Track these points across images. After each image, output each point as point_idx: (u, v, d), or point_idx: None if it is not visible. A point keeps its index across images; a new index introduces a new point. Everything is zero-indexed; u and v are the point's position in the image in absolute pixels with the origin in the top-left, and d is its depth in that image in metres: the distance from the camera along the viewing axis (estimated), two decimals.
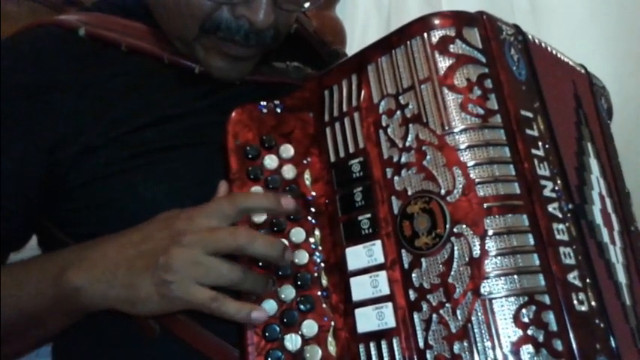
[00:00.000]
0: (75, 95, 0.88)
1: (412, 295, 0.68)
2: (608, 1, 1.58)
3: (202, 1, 0.85)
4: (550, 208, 0.69)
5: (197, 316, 0.79)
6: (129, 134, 0.87)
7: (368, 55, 0.78)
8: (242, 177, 0.78)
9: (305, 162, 0.81)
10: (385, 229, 0.72)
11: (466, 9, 0.76)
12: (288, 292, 0.75)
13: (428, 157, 0.70)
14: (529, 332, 0.63)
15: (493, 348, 0.63)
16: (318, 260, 0.77)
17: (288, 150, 0.81)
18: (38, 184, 0.87)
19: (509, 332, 0.63)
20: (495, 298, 0.64)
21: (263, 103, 0.83)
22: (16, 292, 0.80)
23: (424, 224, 0.69)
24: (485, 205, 0.66)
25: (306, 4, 0.92)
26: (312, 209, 0.79)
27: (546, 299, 0.65)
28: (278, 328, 0.73)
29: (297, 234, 0.78)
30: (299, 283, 0.75)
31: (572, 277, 0.68)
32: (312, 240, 0.78)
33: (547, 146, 0.73)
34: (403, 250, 0.70)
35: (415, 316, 0.68)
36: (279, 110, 0.83)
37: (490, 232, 0.66)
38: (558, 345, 0.64)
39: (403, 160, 0.72)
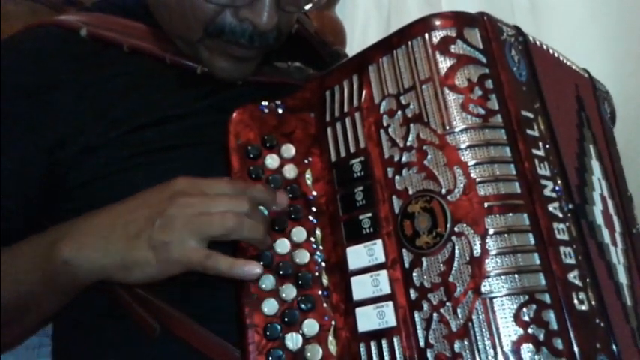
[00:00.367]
0: (75, 95, 0.88)
1: (413, 294, 0.69)
2: (608, 1, 1.58)
3: (205, 5, 0.85)
4: (550, 207, 0.70)
5: (197, 316, 0.80)
6: (129, 134, 0.87)
7: (369, 55, 0.78)
8: (243, 177, 0.79)
9: (306, 162, 0.82)
10: (386, 229, 0.72)
11: (466, 9, 0.76)
12: (289, 291, 0.75)
13: (429, 156, 0.70)
14: (529, 331, 0.63)
15: (494, 346, 0.63)
16: (319, 259, 0.78)
17: (289, 150, 0.81)
18: (38, 184, 0.87)
19: (509, 331, 0.63)
20: (496, 297, 0.64)
21: (264, 103, 0.83)
22: (9, 272, 0.79)
23: (425, 223, 0.69)
24: (485, 205, 0.67)
25: (308, 6, 0.92)
26: (313, 209, 0.80)
27: (547, 298, 0.65)
28: (279, 327, 0.73)
29: (298, 233, 0.78)
30: (300, 282, 0.75)
31: (573, 276, 0.68)
32: (313, 239, 0.78)
33: (547, 146, 0.74)
34: (404, 250, 0.70)
35: (416, 315, 0.68)
36: (280, 110, 0.83)
37: (491, 232, 0.66)
38: (559, 344, 0.64)
39: (404, 159, 0.72)
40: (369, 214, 0.74)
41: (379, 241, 0.73)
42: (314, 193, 0.80)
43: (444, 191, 0.68)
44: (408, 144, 0.72)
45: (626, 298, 0.80)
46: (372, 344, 0.71)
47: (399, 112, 0.73)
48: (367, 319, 0.72)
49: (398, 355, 0.69)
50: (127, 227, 0.73)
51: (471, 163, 0.68)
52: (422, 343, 0.67)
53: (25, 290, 0.79)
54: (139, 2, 0.98)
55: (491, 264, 0.65)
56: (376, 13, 1.98)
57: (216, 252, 0.71)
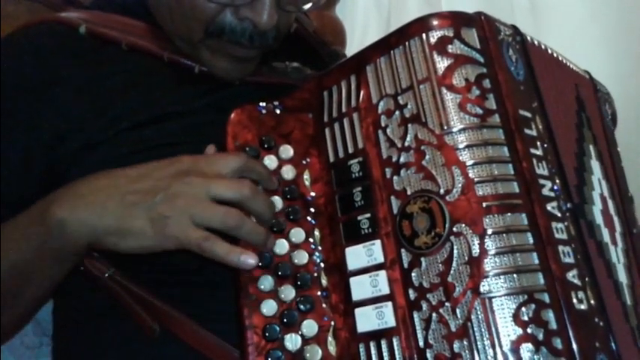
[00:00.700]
0: (75, 91, 0.88)
1: (412, 294, 0.69)
2: (608, 1, 1.58)
3: (206, 4, 0.85)
4: (549, 207, 0.70)
5: (197, 316, 0.80)
6: (128, 131, 0.87)
7: (367, 55, 0.78)
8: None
9: (304, 162, 0.81)
10: (385, 229, 0.72)
11: (466, 8, 0.76)
12: (288, 292, 0.75)
13: (427, 156, 0.70)
14: (529, 331, 0.63)
15: (493, 346, 0.63)
16: (318, 260, 0.78)
17: (287, 150, 0.81)
18: (39, 180, 0.87)
19: (508, 331, 0.63)
20: (495, 297, 0.64)
21: (262, 103, 0.83)
22: (5, 243, 0.79)
23: (423, 224, 0.69)
24: (484, 204, 0.67)
25: (307, 6, 0.92)
26: (312, 209, 0.80)
27: (546, 298, 0.65)
28: (278, 328, 0.73)
29: (297, 234, 0.78)
30: (299, 283, 0.75)
31: (572, 275, 0.68)
32: (311, 240, 0.78)
33: (545, 146, 0.74)
34: (403, 250, 0.70)
35: (415, 315, 0.68)
36: (278, 111, 0.83)
37: (489, 231, 0.66)
38: (558, 343, 0.64)
39: (402, 159, 0.72)
40: (368, 215, 0.74)
41: (378, 242, 0.73)
42: (312, 194, 0.80)
43: (442, 191, 0.68)
44: (406, 144, 0.72)
45: (626, 298, 0.80)
46: (372, 345, 0.71)
47: (397, 113, 0.73)
48: (366, 320, 0.72)
49: (397, 356, 0.69)
50: (126, 195, 0.73)
51: (469, 162, 0.68)
52: (421, 344, 0.67)
53: (21, 260, 0.78)
54: (139, 1, 0.98)
55: (490, 264, 0.65)
56: (376, 13, 1.98)
57: (216, 236, 0.71)
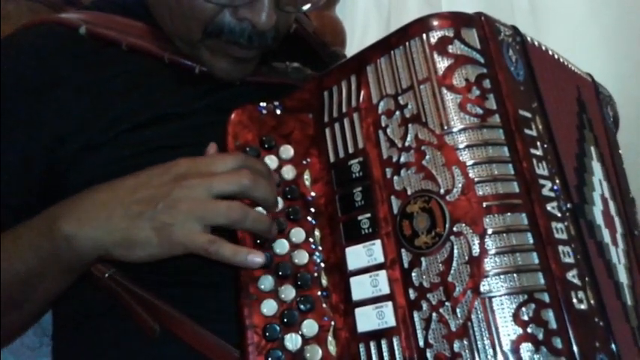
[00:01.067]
0: (75, 92, 0.88)
1: (412, 294, 0.69)
2: (608, 2, 1.58)
3: (205, 5, 0.85)
4: (549, 207, 0.70)
5: (197, 316, 0.80)
6: (129, 132, 0.87)
7: (367, 56, 0.78)
8: None
9: (304, 162, 0.82)
10: (385, 229, 0.72)
11: (466, 9, 0.77)
12: (288, 292, 0.75)
13: (427, 156, 0.70)
14: (529, 330, 0.63)
15: (493, 346, 0.63)
16: (318, 260, 0.78)
17: (287, 151, 0.81)
18: (39, 182, 0.87)
19: (508, 330, 0.63)
20: (495, 297, 0.64)
21: (262, 104, 0.83)
22: (8, 253, 0.79)
23: (424, 223, 0.69)
24: (484, 204, 0.67)
25: (306, 6, 0.92)
26: (312, 209, 0.80)
27: (546, 297, 0.65)
28: (278, 328, 0.73)
29: (297, 234, 0.78)
30: (299, 283, 0.75)
31: (572, 275, 0.68)
32: (311, 240, 0.78)
33: (545, 146, 0.74)
34: (403, 250, 0.70)
35: (415, 315, 0.68)
36: (278, 111, 0.83)
37: (489, 231, 0.66)
38: (558, 343, 0.64)
39: (402, 159, 0.72)
40: (368, 215, 0.74)
41: (378, 242, 0.73)
42: (313, 194, 0.80)
43: (442, 191, 0.68)
44: (407, 144, 0.72)
45: (626, 298, 0.80)
46: (372, 344, 0.71)
47: (397, 113, 0.73)
48: (366, 320, 0.72)
49: (397, 356, 0.69)
50: (129, 206, 0.73)
51: (470, 162, 0.68)
52: (421, 343, 0.67)
53: (26, 270, 0.79)
54: (139, 1, 0.98)
55: (490, 263, 0.65)
56: (376, 13, 1.97)
57: (221, 238, 0.71)
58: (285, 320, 0.73)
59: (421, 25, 0.73)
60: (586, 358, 0.64)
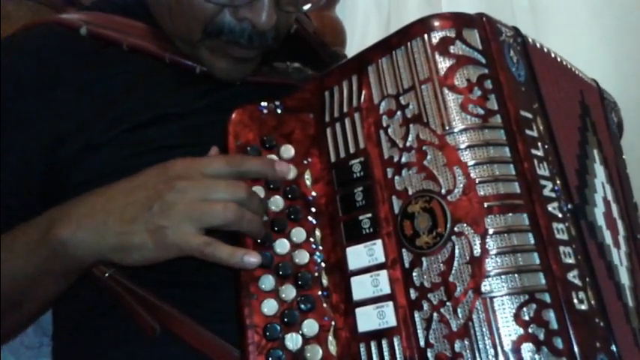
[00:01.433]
0: (76, 92, 0.88)
1: (413, 294, 0.69)
2: (608, 2, 1.58)
3: (205, 5, 0.85)
4: (550, 207, 0.70)
5: (197, 316, 0.80)
6: (130, 132, 0.87)
7: (368, 56, 0.78)
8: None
9: (305, 162, 0.81)
10: (386, 229, 0.72)
11: (466, 9, 0.77)
12: (289, 292, 0.75)
13: (428, 156, 0.70)
14: (530, 330, 0.63)
15: (494, 346, 0.63)
16: (319, 260, 0.78)
17: (288, 150, 0.81)
18: (39, 182, 0.88)
19: (509, 330, 0.63)
20: (496, 297, 0.64)
21: (263, 103, 0.83)
22: (6, 257, 0.79)
23: (425, 223, 0.69)
24: (485, 205, 0.67)
25: (306, 6, 0.92)
26: (313, 209, 0.80)
27: (547, 298, 0.65)
28: (279, 328, 0.73)
29: (298, 234, 0.78)
30: (300, 282, 0.75)
31: (572, 276, 0.68)
32: (312, 240, 0.78)
33: (546, 147, 0.74)
34: (404, 250, 0.70)
35: (416, 314, 0.68)
36: (279, 111, 0.83)
37: (491, 231, 0.66)
38: (559, 343, 0.64)
39: (404, 159, 0.72)
40: (369, 215, 0.74)
41: (379, 242, 0.73)
42: (313, 194, 0.80)
43: (443, 191, 0.68)
44: (408, 144, 0.72)
45: (627, 299, 0.80)
46: (372, 344, 0.71)
47: (399, 113, 0.73)
48: (367, 320, 0.72)
49: (398, 355, 0.69)
50: (124, 210, 0.73)
51: (471, 163, 0.68)
52: (422, 343, 0.67)
53: (23, 274, 0.79)
54: (139, 2, 0.98)
55: (491, 264, 0.65)
56: (376, 13, 1.98)
57: (216, 240, 0.71)
58: (286, 320, 0.73)
59: (423, 25, 0.73)
60: (586, 359, 0.64)
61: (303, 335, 0.74)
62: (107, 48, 0.92)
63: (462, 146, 0.69)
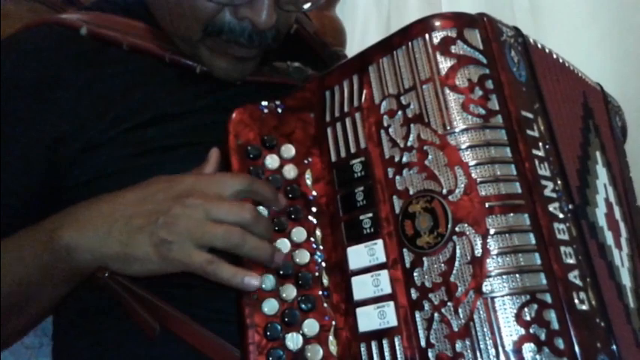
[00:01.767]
0: (76, 93, 0.88)
1: (414, 294, 0.69)
2: (608, 1, 1.58)
3: (205, 4, 0.85)
4: (551, 207, 0.70)
5: (198, 316, 0.80)
6: (130, 132, 0.87)
7: (369, 55, 0.78)
8: None
9: (306, 162, 0.81)
10: (387, 229, 0.72)
11: (466, 9, 0.77)
12: (290, 292, 0.75)
13: (429, 156, 0.70)
14: (531, 331, 0.63)
15: (495, 346, 0.63)
16: (320, 260, 0.78)
17: (289, 150, 0.81)
18: (40, 182, 0.87)
19: (511, 331, 0.63)
20: (497, 297, 0.64)
21: (264, 103, 0.83)
22: (9, 261, 0.79)
23: (426, 223, 0.69)
24: (486, 205, 0.67)
25: (306, 5, 0.92)
26: (314, 209, 0.80)
27: (548, 298, 0.65)
28: (279, 327, 0.73)
29: (299, 234, 0.78)
30: (300, 282, 0.75)
31: (573, 276, 0.68)
32: (313, 239, 0.78)
33: (547, 147, 0.74)
34: (405, 250, 0.70)
35: (417, 314, 0.68)
36: (280, 110, 0.83)
37: (492, 231, 0.66)
38: (560, 343, 0.64)
39: (405, 159, 0.72)
40: (370, 214, 0.74)
41: (380, 241, 0.73)
42: (314, 193, 0.80)
43: (444, 191, 0.68)
44: (409, 144, 0.72)
45: (629, 300, 0.80)
46: (373, 344, 0.71)
47: (400, 113, 0.73)
48: (368, 319, 0.72)
49: (399, 356, 0.69)
50: (129, 220, 0.73)
51: (472, 163, 0.68)
52: (423, 343, 0.67)
53: (26, 279, 0.79)
54: (140, 1, 0.98)
55: (492, 264, 0.65)
56: (376, 13, 1.98)
57: (220, 259, 0.71)
58: (286, 320, 0.73)
59: (424, 25, 0.73)
60: (587, 359, 0.64)
61: (303, 335, 0.73)
62: (107, 48, 0.92)
63: (463, 146, 0.69)
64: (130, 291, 0.81)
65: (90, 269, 0.77)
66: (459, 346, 0.65)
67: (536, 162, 0.71)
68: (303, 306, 0.75)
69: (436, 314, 0.67)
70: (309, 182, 0.81)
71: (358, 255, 0.74)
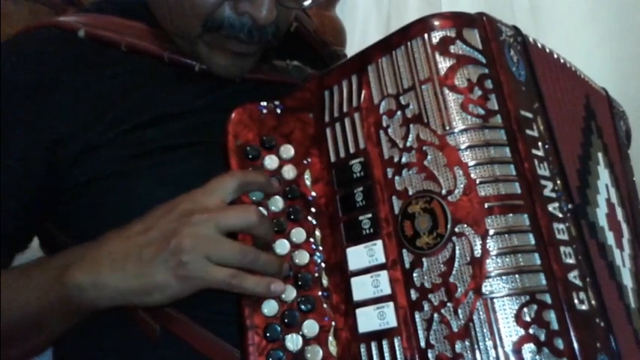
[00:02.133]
0: (75, 95, 0.88)
1: (413, 294, 0.68)
2: (608, 1, 1.58)
3: None
4: (550, 207, 0.70)
5: (198, 317, 0.80)
6: (129, 132, 0.87)
7: (368, 55, 0.78)
8: None
9: (305, 162, 0.81)
10: (386, 229, 0.72)
11: (466, 9, 0.76)
12: (289, 293, 0.74)
13: (429, 157, 0.70)
14: (530, 331, 0.63)
15: (495, 347, 0.63)
16: (319, 260, 0.77)
17: (288, 150, 0.81)
18: (40, 184, 0.87)
19: (510, 331, 0.63)
20: (497, 298, 0.64)
21: (263, 103, 0.82)
22: (18, 294, 0.79)
23: (425, 224, 0.69)
24: (486, 205, 0.66)
25: (307, 2, 0.92)
26: (313, 209, 0.79)
27: (547, 298, 0.65)
28: (279, 328, 0.72)
29: (298, 234, 0.77)
30: (300, 283, 0.75)
31: (573, 276, 0.68)
32: (312, 240, 0.78)
33: (547, 146, 0.74)
34: (404, 250, 0.70)
35: (416, 315, 0.68)
36: (279, 110, 0.83)
37: (491, 232, 0.66)
38: (560, 344, 0.64)
39: (404, 160, 0.72)
40: (369, 215, 0.74)
41: (379, 242, 0.72)
42: (313, 194, 0.80)
43: (444, 192, 0.68)
44: (408, 144, 0.72)
45: (629, 300, 0.80)
46: (373, 345, 0.71)
47: (399, 113, 0.73)
48: (367, 320, 0.72)
49: (399, 356, 0.69)
50: (141, 252, 0.73)
51: (471, 163, 0.68)
52: (423, 344, 0.67)
53: (34, 312, 0.79)
54: (139, 2, 0.98)
55: (492, 264, 0.65)
56: (376, 12, 1.98)
57: (240, 271, 0.71)
58: (286, 320, 0.73)
59: (423, 25, 0.73)
60: (587, 359, 0.64)
61: (303, 336, 0.73)
62: (105, 49, 0.92)
63: (463, 146, 0.69)
64: None
65: (105, 306, 0.76)
66: (458, 346, 0.65)
67: (536, 162, 0.70)
68: (302, 307, 0.74)
69: (436, 315, 0.66)
70: (308, 183, 0.81)
71: (358, 255, 0.74)
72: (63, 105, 0.87)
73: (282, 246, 0.77)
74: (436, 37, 0.72)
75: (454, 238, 0.67)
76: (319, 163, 0.81)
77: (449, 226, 0.67)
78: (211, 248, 0.71)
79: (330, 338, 0.74)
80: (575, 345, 0.64)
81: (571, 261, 0.69)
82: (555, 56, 0.85)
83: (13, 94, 0.87)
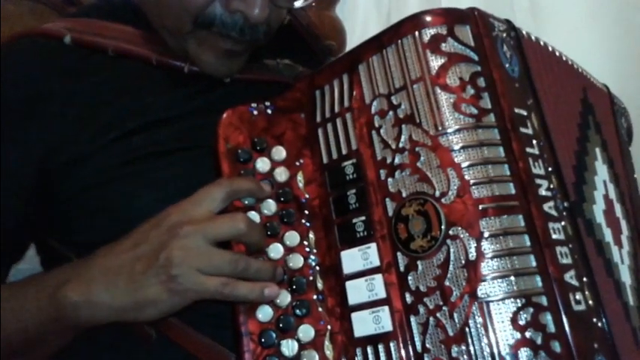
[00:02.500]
0: (63, 105, 0.87)
1: (409, 298, 0.68)
2: (607, 1, 1.58)
3: None
4: (546, 207, 0.69)
5: (194, 322, 0.79)
6: (118, 140, 0.86)
7: (359, 54, 0.77)
8: None
9: (297, 164, 0.80)
10: (380, 232, 0.71)
11: (466, 7, 0.75)
12: (284, 297, 0.74)
13: (422, 158, 0.69)
14: (527, 335, 0.63)
15: (491, 351, 0.62)
16: (313, 264, 0.77)
17: (279, 152, 0.80)
18: (31, 196, 0.87)
19: (507, 335, 0.63)
20: (492, 301, 0.63)
21: (253, 104, 0.81)
22: (14, 313, 0.79)
23: (419, 226, 0.68)
24: (480, 207, 0.66)
25: (297, 3, 0.91)
26: (306, 212, 0.78)
27: (543, 301, 0.64)
28: (274, 334, 0.72)
29: (292, 237, 0.77)
30: (294, 287, 0.74)
31: (569, 276, 0.67)
32: (306, 243, 0.77)
33: (542, 144, 0.73)
34: (399, 253, 0.69)
35: (412, 319, 0.67)
36: (269, 111, 0.82)
37: (486, 234, 0.65)
38: (556, 347, 0.63)
39: (397, 161, 0.71)
40: (363, 217, 0.73)
41: (373, 245, 0.72)
42: (306, 196, 0.79)
43: (437, 194, 0.67)
44: (401, 145, 0.71)
45: (628, 298, 0.79)
46: (369, 349, 0.70)
47: (391, 113, 0.72)
48: (363, 324, 0.71)
49: None
50: (132, 267, 0.72)
51: (465, 164, 0.67)
52: (419, 348, 0.66)
53: (31, 329, 0.78)
54: (127, 5, 0.97)
55: (487, 267, 0.64)
56: (376, 13, 1.97)
57: (231, 279, 0.71)
58: (281, 326, 0.72)
59: (413, 22, 0.72)
60: None
61: (298, 341, 0.73)
62: (93, 55, 0.91)
63: (456, 147, 0.68)
64: None
65: (99, 323, 0.75)
66: (454, 351, 0.64)
67: (530, 160, 0.70)
68: (297, 311, 0.74)
69: (431, 319, 0.66)
70: (300, 185, 0.80)
71: (352, 259, 0.73)
72: (51, 116, 0.87)
73: (275, 250, 0.76)
74: (427, 34, 0.71)
75: (448, 241, 0.66)
76: (312, 164, 0.80)
77: (443, 229, 0.66)
78: (201, 260, 0.70)
79: (327, 342, 0.74)
80: (572, 347, 0.63)
81: (567, 261, 0.68)
82: (550, 49, 0.84)
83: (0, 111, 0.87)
